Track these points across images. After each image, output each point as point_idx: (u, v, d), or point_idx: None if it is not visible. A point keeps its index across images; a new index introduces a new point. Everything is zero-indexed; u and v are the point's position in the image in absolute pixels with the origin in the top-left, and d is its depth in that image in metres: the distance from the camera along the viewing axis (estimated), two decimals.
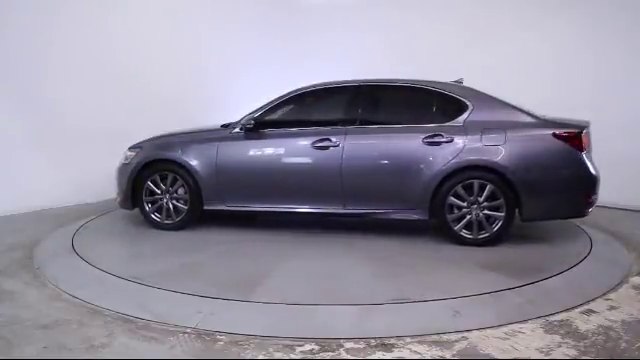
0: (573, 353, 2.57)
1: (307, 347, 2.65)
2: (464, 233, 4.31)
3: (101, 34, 6.19)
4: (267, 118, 4.77)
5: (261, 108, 4.81)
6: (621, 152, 5.48)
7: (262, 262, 3.98)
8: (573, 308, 3.11)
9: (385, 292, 3.29)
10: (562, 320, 2.95)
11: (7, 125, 5.44)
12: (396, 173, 4.40)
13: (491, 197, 4.21)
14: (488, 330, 2.81)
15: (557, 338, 2.73)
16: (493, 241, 4.26)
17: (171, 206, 4.88)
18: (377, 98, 4.79)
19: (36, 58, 5.65)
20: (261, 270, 3.74)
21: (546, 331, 2.82)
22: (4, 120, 5.43)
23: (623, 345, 2.67)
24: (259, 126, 4.71)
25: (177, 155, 4.84)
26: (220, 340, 2.73)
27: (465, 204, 4.27)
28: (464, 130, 4.29)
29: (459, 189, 4.27)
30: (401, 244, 4.41)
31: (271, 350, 2.62)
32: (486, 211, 4.25)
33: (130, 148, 5.11)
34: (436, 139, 4.30)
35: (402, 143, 4.42)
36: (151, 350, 2.62)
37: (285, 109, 4.85)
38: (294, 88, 4.83)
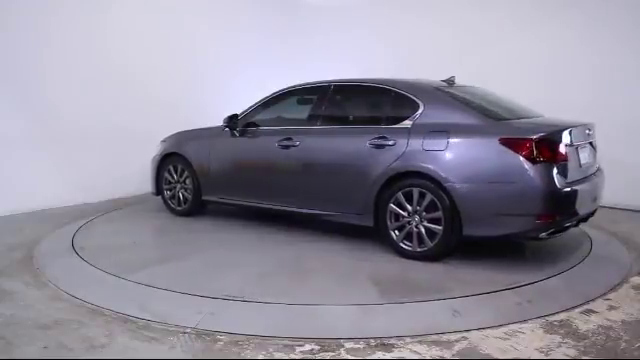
0: (573, 353, 2.57)
1: (307, 347, 2.65)
2: (404, 244, 4.00)
3: (100, 34, 6.19)
4: (253, 117, 5.03)
5: (249, 108, 5.09)
6: (621, 152, 5.47)
7: (192, 250, 4.34)
8: (573, 308, 3.10)
9: (236, 289, 3.34)
10: (562, 320, 2.95)
11: (7, 125, 5.44)
12: (344, 176, 4.29)
13: (432, 208, 3.84)
14: (488, 330, 2.81)
15: (557, 338, 2.73)
16: (433, 256, 3.89)
17: (181, 195, 5.44)
18: (342, 98, 4.75)
19: (36, 59, 5.65)
20: (177, 256, 4.17)
21: (546, 331, 2.82)
22: (4, 120, 5.42)
23: (623, 345, 2.67)
24: (247, 125, 5.00)
25: (181, 149, 5.40)
26: (220, 340, 2.73)
27: (406, 213, 3.96)
28: (408, 133, 4.00)
29: (400, 197, 3.97)
30: (342, 249, 4.28)
31: (271, 350, 2.62)
32: (426, 223, 3.88)
33: (161, 141, 5.70)
34: (380, 142, 4.09)
35: (350, 145, 4.30)
36: (151, 350, 2.62)
37: (267, 108, 5.03)
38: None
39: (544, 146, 3.59)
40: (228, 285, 3.44)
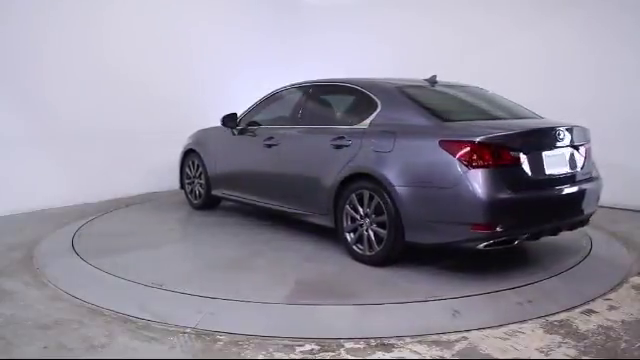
0: (573, 353, 2.57)
1: (307, 347, 2.65)
2: (356, 247, 3.92)
3: (98, 35, 6.19)
4: (251, 117, 5.16)
5: (249, 108, 5.26)
6: (621, 151, 5.47)
7: (170, 241, 4.70)
8: (573, 308, 3.10)
9: (163, 279, 3.53)
10: (562, 320, 2.95)
11: (6, 125, 5.44)
12: (311, 175, 4.31)
13: (379, 211, 3.72)
14: (488, 330, 2.81)
15: (557, 338, 2.73)
16: (380, 261, 3.77)
17: (197, 190, 5.74)
18: (317, 98, 4.76)
19: (34, 58, 5.65)
20: (153, 245, 4.46)
21: (546, 331, 2.82)
22: (4, 120, 5.43)
23: (623, 345, 2.67)
24: (246, 124, 5.14)
25: (197, 146, 5.72)
26: (220, 340, 2.73)
27: (358, 216, 3.89)
28: (363, 134, 3.94)
29: (353, 199, 3.91)
30: (309, 249, 4.29)
31: (271, 350, 2.62)
32: (374, 226, 3.78)
33: (188, 137, 5.98)
34: (339, 142, 4.06)
35: (316, 145, 4.33)
36: (151, 350, 2.62)
37: (262, 108, 5.18)
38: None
39: (484, 150, 3.33)
40: (162, 275, 3.63)
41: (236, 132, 5.20)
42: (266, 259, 4.08)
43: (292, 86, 4.99)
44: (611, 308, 3.13)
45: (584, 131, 3.98)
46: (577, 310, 3.08)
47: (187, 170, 5.86)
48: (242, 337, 2.74)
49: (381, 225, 3.74)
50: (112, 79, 6.30)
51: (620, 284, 3.52)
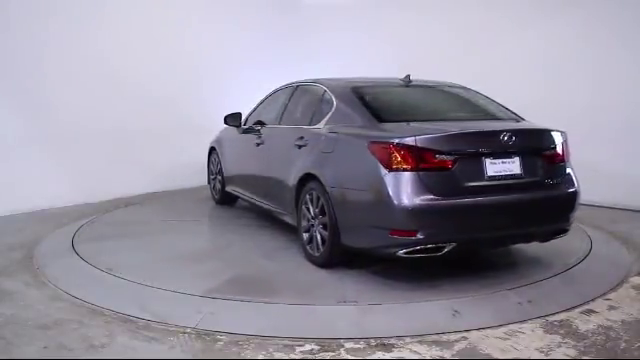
0: (573, 353, 2.58)
1: (307, 347, 2.65)
2: (309, 248, 3.88)
3: (98, 35, 6.19)
4: (255, 116, 5.29)
5: (254, 108, 5.45)
6: (621, 151, 5.47)
7: (159, 236, 4.77)
8: (573, 308, 3.11)
9: (116, 264, 3.77)
10: (562, 320, 2.95)
11: (7, 126, 5.44)
12: (280, 174, 4.38)
13: (324, 212, 3.66)
14: (488, 330, 2.81)
15: (557, 338, 2.73)
16: (324, 263, 3.72)
17: (217, 186, 6.04)
18: (296, 98, 4.77)
19: (34, 59, 5.65)
20: (150, 232, 4.81)
21: (546, 331, 2.82)
22: (4, 120, 5.43)
23: (623, 345, 2.67)
24: (252, 123, 5.24)
25: (216, 144, 5.99)
26: (220, 340, 2.73)
27: (310, 216, 3.86)
28: (318, 134, 3.93)
29: (307, 199, 3.88)
30: (280, 247, 4.31)
31: (271, 350, 2.62)
32: (320, 227, 3.72)
33: (215, 135, 6.20)
34: (300, 142, 4.09)
35: (285, 144, 4.35)
36: (151, 350, 2.62)
37: (263, 108, 5.31)
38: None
39: (405, 152, 3.20)
40: (119, 261, 3.88)
41: (241, 131, 5.34)
42: (225, 254, 4.22)
43: (285, 86, 5.06)
44: (611, 308, 3.13)
45: (555, 135, 3.65)
46: (577, 310, 3.09)
47: (211, 167, 6.16)
48: (242, 337, 2.75)
49: (325, 226, 3.68)
50: (113, 79, 6.30)
51: (620, 284, 3.52)
